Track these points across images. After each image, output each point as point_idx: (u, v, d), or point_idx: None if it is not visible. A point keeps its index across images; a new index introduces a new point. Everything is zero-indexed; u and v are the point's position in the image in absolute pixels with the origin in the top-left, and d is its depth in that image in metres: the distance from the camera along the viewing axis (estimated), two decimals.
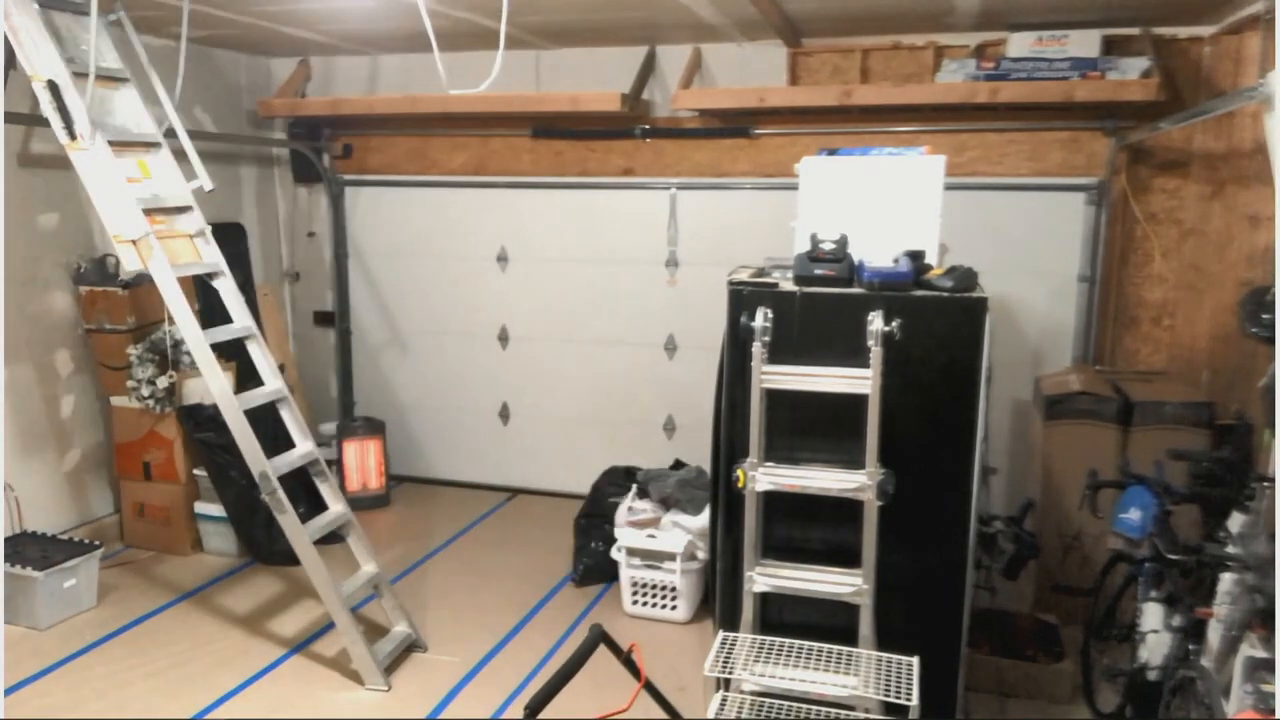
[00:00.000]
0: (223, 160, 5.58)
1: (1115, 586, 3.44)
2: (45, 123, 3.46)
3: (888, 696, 2.59)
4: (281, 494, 3.58)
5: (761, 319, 2.80)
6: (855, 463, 2.77)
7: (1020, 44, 4.40)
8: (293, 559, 3.81)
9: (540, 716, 2.23)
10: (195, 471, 4.80)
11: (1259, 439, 3.29)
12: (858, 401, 2.73)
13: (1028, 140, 4.70)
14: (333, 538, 3.89)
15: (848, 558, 2.82)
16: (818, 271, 2.90)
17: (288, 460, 3.75)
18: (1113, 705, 3.36)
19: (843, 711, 2.67)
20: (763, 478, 2.83)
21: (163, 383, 4.57)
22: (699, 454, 4.16)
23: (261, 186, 5.95)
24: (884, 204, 3.09)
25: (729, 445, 3.00)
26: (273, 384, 3.88)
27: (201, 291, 4.15)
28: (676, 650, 3.92)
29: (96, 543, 4.31)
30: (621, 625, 4.09)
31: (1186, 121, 4.01)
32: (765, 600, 2.94)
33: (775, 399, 2.86)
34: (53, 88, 3.39)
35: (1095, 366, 4.66)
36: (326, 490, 3.91)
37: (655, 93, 5.24)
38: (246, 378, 4.01)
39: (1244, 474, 2.95)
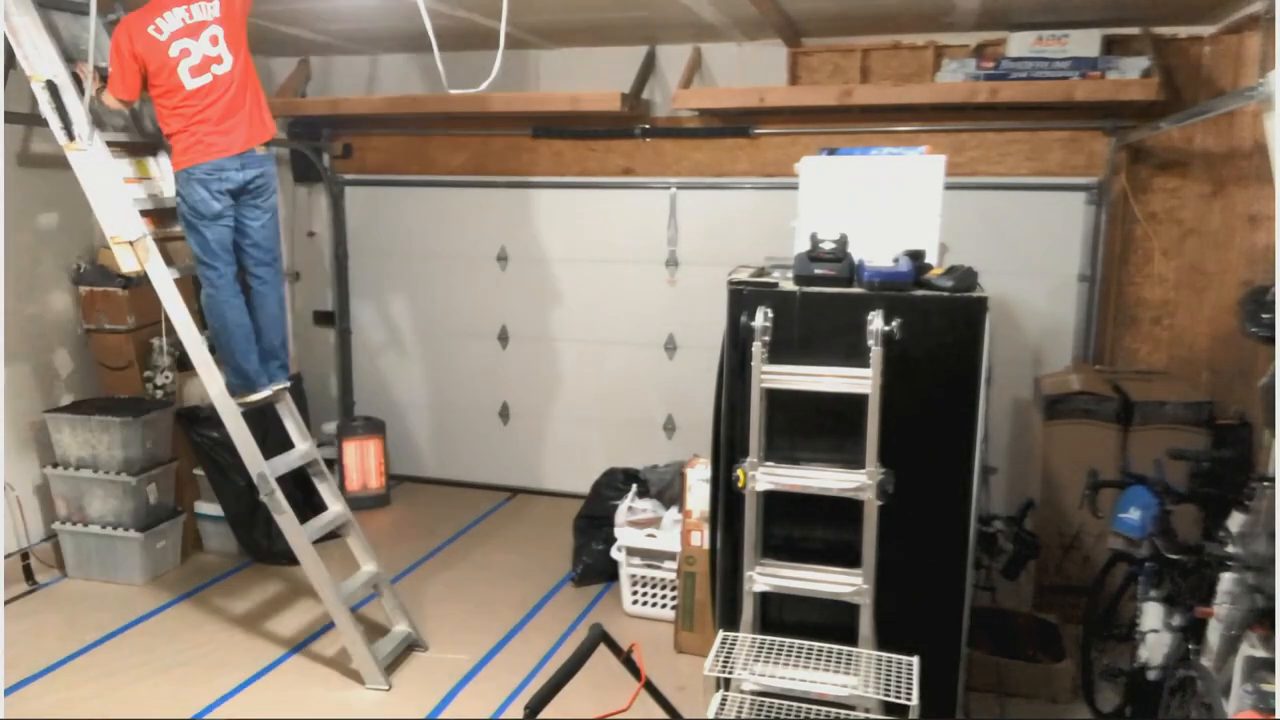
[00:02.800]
0: None
1: (1115, 586, 3.44)
2: (45, 123, 3.46)
3: (888, 696, 2.59)
4: (280, 495, 3.58)
5: (761, 319, 2.80)
6: (855, 462, 2.77)
7: (1020, 44, 4.40)
8: (292, 559, 3.81)
9: (540, 716, 2.23)
10: (195, 471, 4.80)
11: (1259, 439, 3.29)
12: (858, 401, 2.73)
13: (1028, 140, 4.70)
14: (331, 536, 3.88)
15: (848, 557, 2.81)
16: (818, 271, 2.90)
17: (286, 461, 3.76)
18: (1113, 705, 3.36)
19: (843, 711, 2.67)
20: (763, 477, 2.83)
21: (168, 380, 4.58)
22: (699, 454, 4.15)
23: None
24: (884, 204, 3.08)
25: (729, 445, 2.99)
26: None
27: (200, 291, 4.14)
28: (676, 649, 3.93)
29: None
30: (621, 625, 4.09)
31: (1186, 121, 4.00)
32: (765, 600, 2.94)
33: (775, 399, 2.86)
34: (51, 88, 3.39)
35: (1095, 366, 4.66)
36: (326, 490, 3.91)
37: (655, 92, 5.24)
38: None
39: (1244, 474, 2.95)
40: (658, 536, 4.13)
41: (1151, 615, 2.97)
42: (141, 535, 4.41)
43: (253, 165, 3.51)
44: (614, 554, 4.23)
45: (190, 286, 4.05)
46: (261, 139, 3.55)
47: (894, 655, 2.76)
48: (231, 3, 3.47)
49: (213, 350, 3.66)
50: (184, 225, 3.52)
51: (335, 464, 5.49)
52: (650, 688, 2.60)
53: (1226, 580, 2.50)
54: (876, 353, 2.70)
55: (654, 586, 4.19)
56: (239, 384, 3.63)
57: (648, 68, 5.14)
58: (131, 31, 3.34)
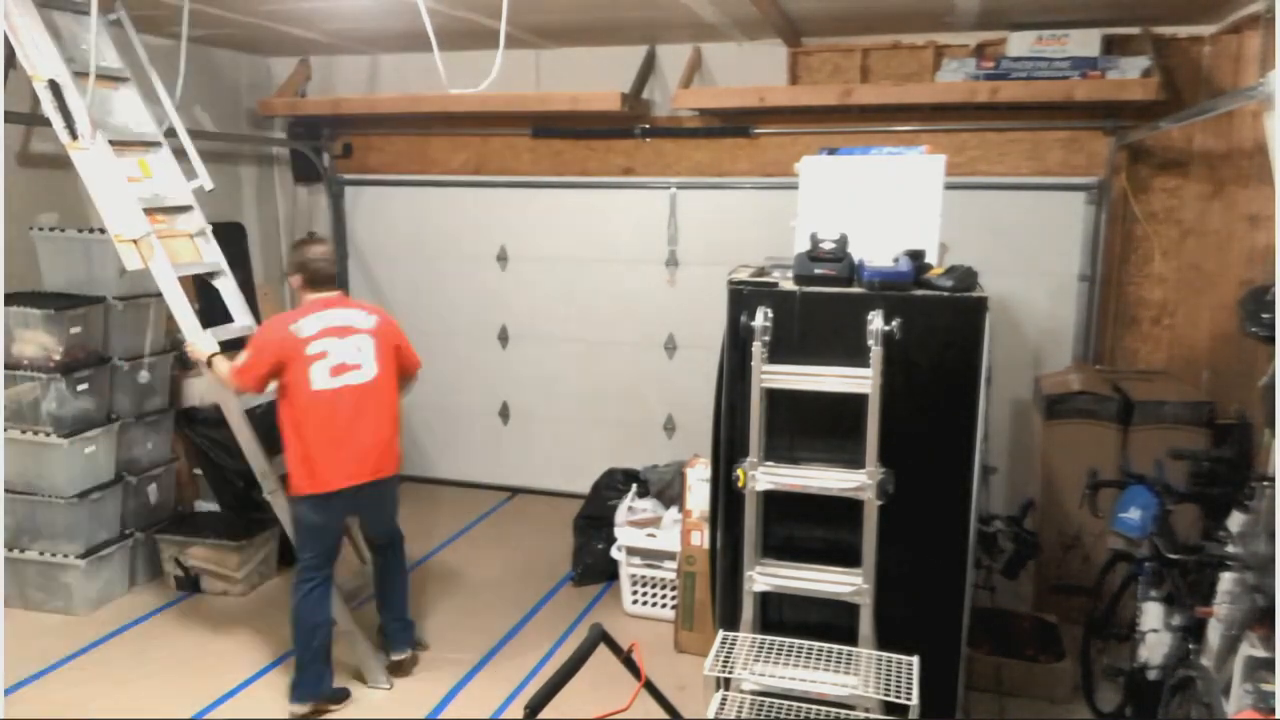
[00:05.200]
0: (223, 160, 5.58)
1: (1115, 586, 3.44)
2: (45, 122, 3.47)
3: (888, 696, 2.59)
4: (282, 494, 3.58)
5: (761, 318, 2.80)
6: (855, 462, 2.77)
7: (1020, 43, 4.40)
8: (293, 558, 3.80)
9: (540, 716, 2.23)
10: (195, 471, 4.80)
11: (1259, 439, 3.29)
12: (858, 401, 2.73)
13: (1028, 139, 4.70)
14: None
15: (848, 557, 2.82)
16: (818, 271, 2.90)
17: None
18: (1113, 705, 3.36)
19: (843, 711, 2.67)
20: (763, 477, 2.83)
21: None
22: (699, 454, 4.15)
23: (261, 186, 5.95)
24: (884, 204, 3.08)
25: (729, 445, 2.99)
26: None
27: (202, 291, 4.15)
28: (676, 649, 3.93)
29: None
30: (621, 624, 4.09)
31: (1186, 121, 4.01)
32: (765, 600, 2.94)
33: (775, 398, 2.86)
34: (54, 87, 3.40)
35: (1095, 366, 4.66)
36: None
37: (655, 92, 5.24)
38: None
39: (1244, 473, 2.95)
40: (658, 536, 4.13)
41: (1151, 615, 2.97)
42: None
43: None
44: (614, 554, 4.23)
45: (192, 284, 4.05)
46: (386, 473, 3.45)
47: (894, 655, 2.76)
48: (391, 333, 3.54)
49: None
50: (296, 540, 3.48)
51: None
52: (650, 687, 2.60)
53: (1226, 580, 2.50)
54: (876, 352, 2.70)
55: (654, 586, 4.19)
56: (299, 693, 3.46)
57: (648, 68, 5.14)
58: (275, 325, 3.35)
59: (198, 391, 4.65)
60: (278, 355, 3.26)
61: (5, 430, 4.06)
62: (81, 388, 4.14)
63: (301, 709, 3.41)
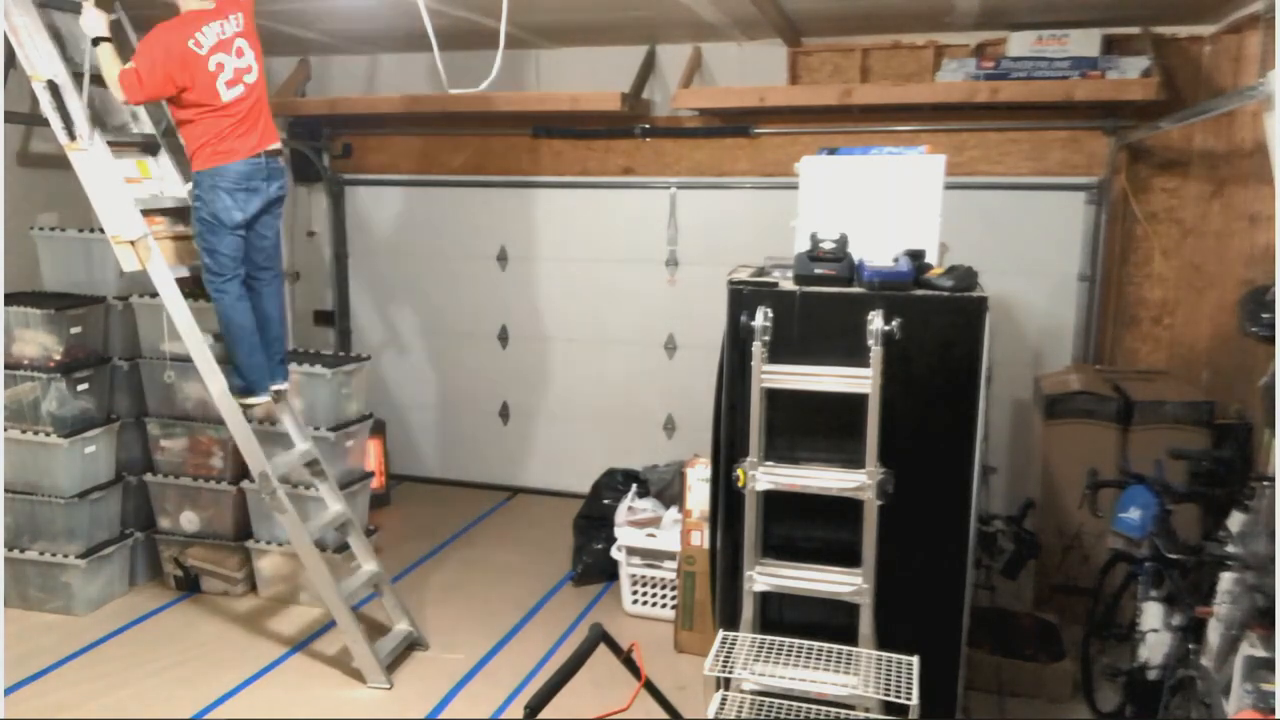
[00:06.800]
0: None
1: (1115, 586, 3.44)
2: (45, 122, 3.46)
3: (888, 696, 2.59)
4: (281, 494, 3.59)
5: (761, 318, 2.80)
6: (855, 462, 2.77)
7: (1020, 43, 4.41)
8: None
9: (540, 716, 2.23)
10: None
11: (1259, 438, 3.29)
12: (858, 401, 2.73)
13: (1028, 139, 4.70)
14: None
15: (848, 557, 2.81)
16: (818, 271, 2.90)
17: (287, 460, 3.76)
18: (1113, 704, 3.36)
19: (843, 711, 2.67)
20: (763, 477, 2.83)
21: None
22: (699, 454, 4.16)
23: None
24: (884, 203, 3.08)
25: (729, 444, 2.99)
26: None
27: (202, 292, 4.15)
28: (676, 649, 3.93)
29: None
30: (621, 624, 4.09)
31: (1186, 121, 4.01)
32: (765, 599, 2.94)
33: (775, 398, 2.86)
34: (52, 88, 3.40)
35: (1095, 366, 4.66)
36: (326, 490, 3.91)
37: (655, 92, 5.24)
38: None
39: (1244, 473, 2.95)
40: (658, 536, 4.13)
41: (1151, 615, 2.97)
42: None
43: (277, 177, 3.52)
44: (614, 554, 4.23)
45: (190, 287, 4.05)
46: (275, 141, 3.53)
47: (894, 655, 2.76)
48: (250, 14, 3.47)
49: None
50: (200, 228, 3.47)
51: None
52: (650, 687, 2.61)
53: (1226, 580, 2.50)
54: (876, 352, 2.70)
55: (654, 586, 4.19)
56: (242, 386, 3.61)
57: (648, 67, 5.14)
58: (169, 44, 3.23)
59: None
60: (181, 75, 3.25)
61: (5, 430, 4.06)
62: (81, 388, 4.14)
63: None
